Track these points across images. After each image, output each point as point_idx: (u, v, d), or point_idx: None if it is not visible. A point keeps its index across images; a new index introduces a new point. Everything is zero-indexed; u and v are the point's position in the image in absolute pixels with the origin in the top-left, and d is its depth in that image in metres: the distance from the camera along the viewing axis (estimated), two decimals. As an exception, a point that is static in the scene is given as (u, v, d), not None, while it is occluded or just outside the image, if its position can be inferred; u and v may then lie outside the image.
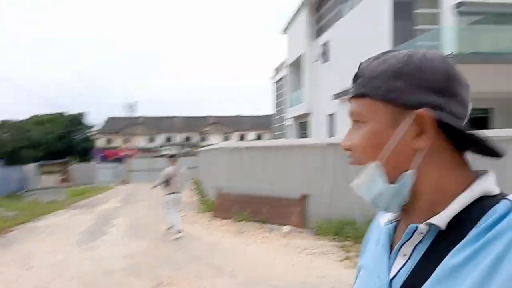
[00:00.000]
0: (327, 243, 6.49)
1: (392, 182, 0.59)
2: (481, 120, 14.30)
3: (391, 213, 0.66)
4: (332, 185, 7.52)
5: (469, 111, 0.60)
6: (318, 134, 18.86)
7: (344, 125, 15.68)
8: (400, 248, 0.60)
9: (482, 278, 0.48)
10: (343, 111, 16.00)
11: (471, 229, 0.53)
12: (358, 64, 0.65)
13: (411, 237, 0.58)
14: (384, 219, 0.69)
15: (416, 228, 0.57)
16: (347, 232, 6.70)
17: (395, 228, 0.66)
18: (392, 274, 0.60)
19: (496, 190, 0.57)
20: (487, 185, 0.57)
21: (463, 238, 0.53)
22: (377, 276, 0.63)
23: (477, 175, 0.59)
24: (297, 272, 5.14)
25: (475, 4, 14.42)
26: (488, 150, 0.58)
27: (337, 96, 15.88)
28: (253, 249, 6.47)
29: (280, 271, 5.17)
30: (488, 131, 8.82)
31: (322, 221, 7.30)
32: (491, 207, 0.53)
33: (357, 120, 0.63)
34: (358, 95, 0.63)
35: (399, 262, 0.60)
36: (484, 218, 0.53)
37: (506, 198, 0.54)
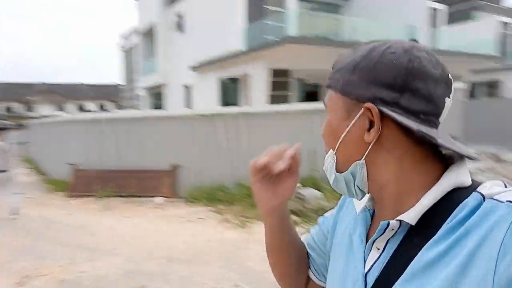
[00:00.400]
0: (203, 209, 6.77)
1: (342, 169, 0.63)
2: (315, 93, 16.89)
3: (360, 199, 0.67)
4: (202, 154, 7.76)
5: (440, 106, 0.58)
6: (174, 105, 18.64)
7: (201, 97, 15.98)
8: (373, 242, 0.62)
9: (455, 274, 0.49)
10: (200, 83, 16.24)
11: (442, 224, 0.54)
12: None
13: (383, 232, 0.60)
14: (359, 206, 0.71)
15: (388, 224, 0.58)
16: (219, 197, 7.13)
17: (372, 216, 0.68)
18: (367, 267, 0.62)
19: (468, 181, 0.57)
20: (458, 177, 0.57)
21: (434, 234, 0.54)
22: (354, 266, 0.65)
23: (448, 165, 0.59)
24: (181, 239, 5.26)
25: (312, -8, 16.53)
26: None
27: (194, 68, 15.94)
28: (127, 224, 6.19)
29: (165, 242, 5.18)
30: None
31: (194, 189, 7.52)
32: (462, 201, 0.54)
33: (326, 110, 0.67)
34: (326, 87, 0.67)
35: (373, 255, 0.62)
36: (454, 213, 0.53)
37: (477, 191, 0.54)
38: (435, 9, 17.59)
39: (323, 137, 0.67)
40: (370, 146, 0.59)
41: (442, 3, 17.75)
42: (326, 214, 0.86)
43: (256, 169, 0.70)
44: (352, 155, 0.62)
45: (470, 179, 0.57)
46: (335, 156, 0.64)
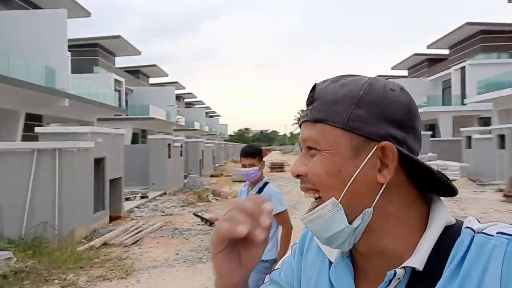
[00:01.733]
0: None
1: (349, 219, 0.55)
2: None
3: (339, 248, 0.58)
4: None
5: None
6: None
7: None
8: None
9: None
10: None
11: (443, 265, 0.52)
12: (312, 85, 0.60)
13: (389, 284, 0.54)
14: (332, 252, 0.63)
15: (395, 274, 0.53)
16: None
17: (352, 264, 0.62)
18: None
19: (453, 219, 0.57)
20: (446, 215, 0.57)
21: (438, 277, 0.52)
22: None
23: (429, 205, 0.58)
24: None
25: None
26: (441, 187, 0.57)
27: None
28: None
29: None
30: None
31: None
32: (455, 239, 0.53)
33: (312, 147, 0.57)
34: (314, 120, 0.57)
35: None
36: (453, 252, 0.52)
37: (468, 227, 0.54)
38: (67, 56, 18.31)
39: (311, 177, 0.57)
40: (383, 189, 0.55)
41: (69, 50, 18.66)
42: (278, 266, 0.74)
43: (226, 238, 0.53)
44: (360, 201, 0.55)
45: (452, 217, 0.57)
46: (339, 205, 0.55)
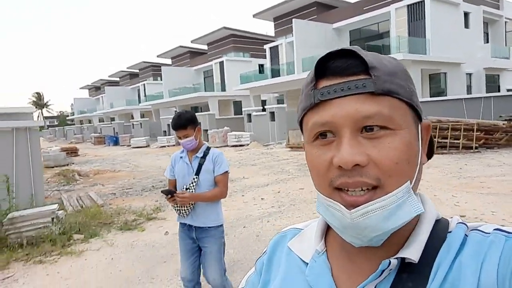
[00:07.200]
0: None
1: None
2: None
3: (372, 244, 0.51)
4: None
5: None
6: None
7: None
8: None
9: None
10: None
11: (434, 257, 0.50)
12: (346, 50, 0.48)
13: (380, 274, 0.50)
14: (306, 252, 0.61)
15: (389, 264, 0.50)
16: None
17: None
18: None
19: (439, 213, 0.56)
20: (434, 209, 0.55)
21: (429, 268, 0.50)
22: None
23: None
24: None
25: None
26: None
27: None
28: None
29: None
30: None
31: None
32: (446, 232, 0.53)
33: (380, 126, 0.47)
34: (385, 92, 0.48)
35: None
36: (447, 245, 0.51)
37: (462, 223, 0.53)
38: None
39: (392, 169, 0.47)
40: (417, 170, 0.50)
41: None
42: (243, 285, 0.70)
43: None
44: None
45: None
46: (411, 190, 0.49)
